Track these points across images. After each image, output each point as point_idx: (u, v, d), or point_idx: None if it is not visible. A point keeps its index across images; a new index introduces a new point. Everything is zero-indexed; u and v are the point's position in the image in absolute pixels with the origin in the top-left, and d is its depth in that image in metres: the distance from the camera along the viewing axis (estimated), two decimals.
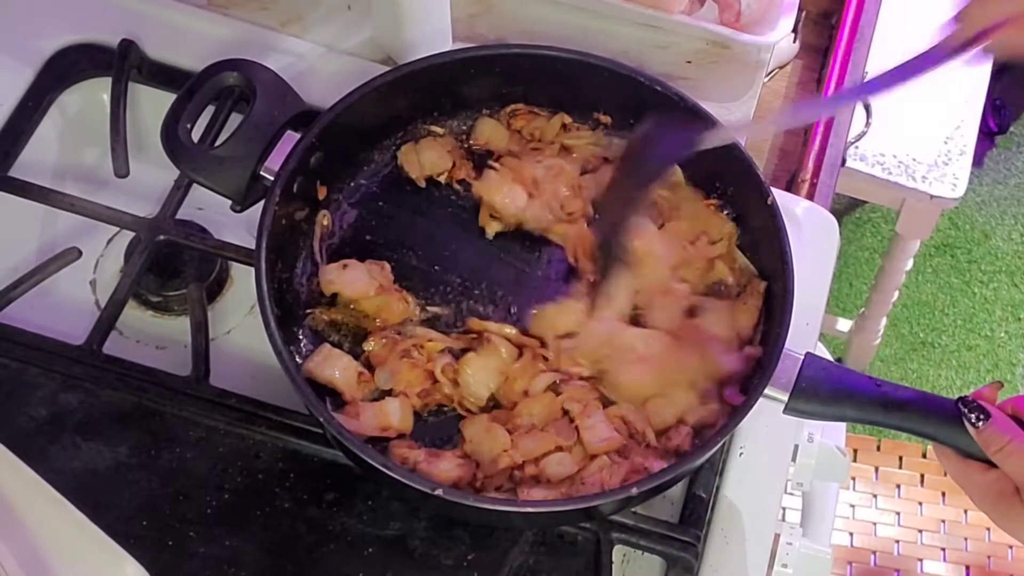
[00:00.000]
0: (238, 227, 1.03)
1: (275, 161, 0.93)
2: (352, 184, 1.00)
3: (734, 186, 0.98)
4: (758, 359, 0.91)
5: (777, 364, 0.86)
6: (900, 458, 2.22)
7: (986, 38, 0.76)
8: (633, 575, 0.93)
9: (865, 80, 1.08)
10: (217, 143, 0.95)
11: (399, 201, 1.01)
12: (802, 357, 0.87)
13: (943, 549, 2.13)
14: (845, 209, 2.46)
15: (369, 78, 0.97)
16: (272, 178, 0.92)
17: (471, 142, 1.03)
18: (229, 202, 0.95)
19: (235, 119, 0.96)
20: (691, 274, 0.97)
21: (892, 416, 0.83)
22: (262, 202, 0.92)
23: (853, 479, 2.18)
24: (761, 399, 0.86)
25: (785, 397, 0.86)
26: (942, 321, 2.38)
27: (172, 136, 0.93)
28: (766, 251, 0.95)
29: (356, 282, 0.94)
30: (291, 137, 0.94)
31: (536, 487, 0.87)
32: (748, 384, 0.89)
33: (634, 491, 0.83)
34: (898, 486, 2.19)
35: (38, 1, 1.13)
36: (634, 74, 0.99)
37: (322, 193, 0.98)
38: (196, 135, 0.96)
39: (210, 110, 0.98)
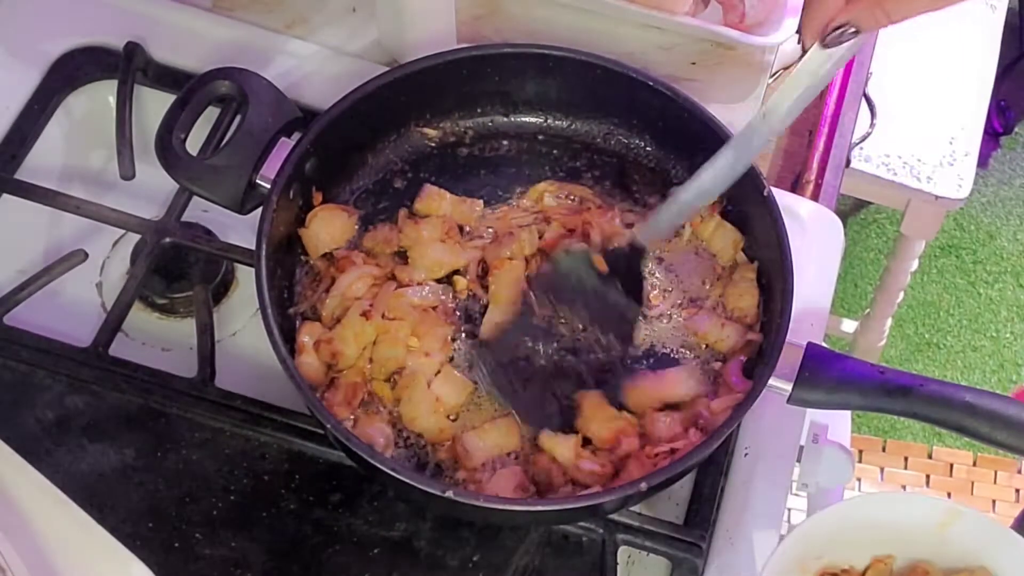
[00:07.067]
0: (243, 229, 1.03)
1: (270, 169, 0.93)
2: (347, 189, 1.00)
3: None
4: (760, 350, 0.91)
5: (780, 354, 0.86)
6: (905, 459, 2.21)
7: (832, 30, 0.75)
8: None
9: None
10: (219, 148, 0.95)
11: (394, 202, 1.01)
12: (804, 347, 0.87)
13: None
14: (850, 210, 2.45)
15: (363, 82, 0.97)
16: (268, 186, 0.92)
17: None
18: None
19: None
20: None
21: (896, 402, 0.83)
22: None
23: (858, 480, 2.18)
24: (766, 392, 0.86)
25: (789, 387, 0.86)
26: (947, 322, 2.38)
27: (166, 147, 0.93)
28: (765, 244, 0.95)
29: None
30: (285, 144, 0.94)
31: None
32: (752, 374, 0.90)
33: (643, 486, 0.82)
34: (903, 487, 2.18)
35: (44, 4, 1.13)
36: (626, 70, 0.99)
37: (318, 199, 0.97)
38: (198, 143, 0.96)
39: (212, 118, 0.99)
